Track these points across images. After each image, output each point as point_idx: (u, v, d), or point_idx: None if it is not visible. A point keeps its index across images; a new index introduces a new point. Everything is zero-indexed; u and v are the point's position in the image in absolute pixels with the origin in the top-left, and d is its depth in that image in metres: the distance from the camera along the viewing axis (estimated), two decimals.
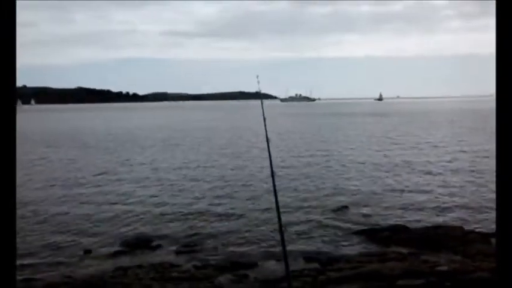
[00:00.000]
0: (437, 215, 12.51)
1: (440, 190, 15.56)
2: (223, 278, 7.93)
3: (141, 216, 12.99)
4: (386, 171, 19.45)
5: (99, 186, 17.70)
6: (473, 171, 19.18)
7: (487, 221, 11.65)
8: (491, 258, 7.91)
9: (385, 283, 7.00)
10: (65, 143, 35.47)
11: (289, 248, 2.95)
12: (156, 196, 15.63)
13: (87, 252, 10.19)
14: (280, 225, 3.22)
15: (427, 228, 10.93)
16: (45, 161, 25.30)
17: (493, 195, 14.04)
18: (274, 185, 3.70)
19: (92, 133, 46.86)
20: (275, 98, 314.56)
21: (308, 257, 9.35)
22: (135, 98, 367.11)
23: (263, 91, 6.08)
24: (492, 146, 26.91)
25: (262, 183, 16.76)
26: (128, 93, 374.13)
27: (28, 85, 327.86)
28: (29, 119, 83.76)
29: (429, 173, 19.05)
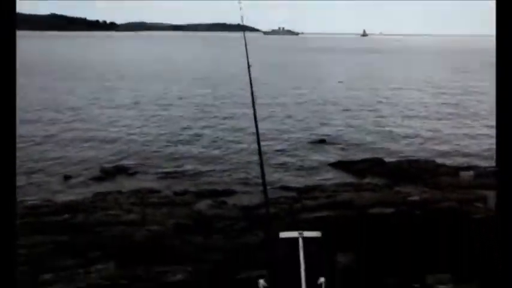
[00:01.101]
0: (414, 150, 12.85)
1: (418, 127, 15.94)
2: (202, 204, 8.13)
3: (123, 145, 13.05)
4: (370, 110, 19.49)
5: (82, 114, 17.55)
6: (456, 111, 19.58)
7: (458, 155, 12.08)
8: (460, 190, 8.27)
9: (357, 211, 7.28)
10: (45, 72, 34.41)
11: (267, 177, 2.99)
12: (139, 126, 15.64)
13: (67, 178, 10.26)
14: (260, 153, 3.22)
15: (401, 161, 11.24)
16: (25, 89, 24.60)
17: (473, 138, 14.45)
18: (254, 113, 3.64)
19: (72, 62, 45.45)
20: (258, 30, 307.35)
21: (285, 186, 9.62)
22: (112, 26, 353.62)
23: (244, 23, 5.83)
24: (478, 85, 27.30)
25: (243, 114, 16.78)
26: (104, 21, 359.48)
27: None
28: None
29: (411, 112, 19.34)
